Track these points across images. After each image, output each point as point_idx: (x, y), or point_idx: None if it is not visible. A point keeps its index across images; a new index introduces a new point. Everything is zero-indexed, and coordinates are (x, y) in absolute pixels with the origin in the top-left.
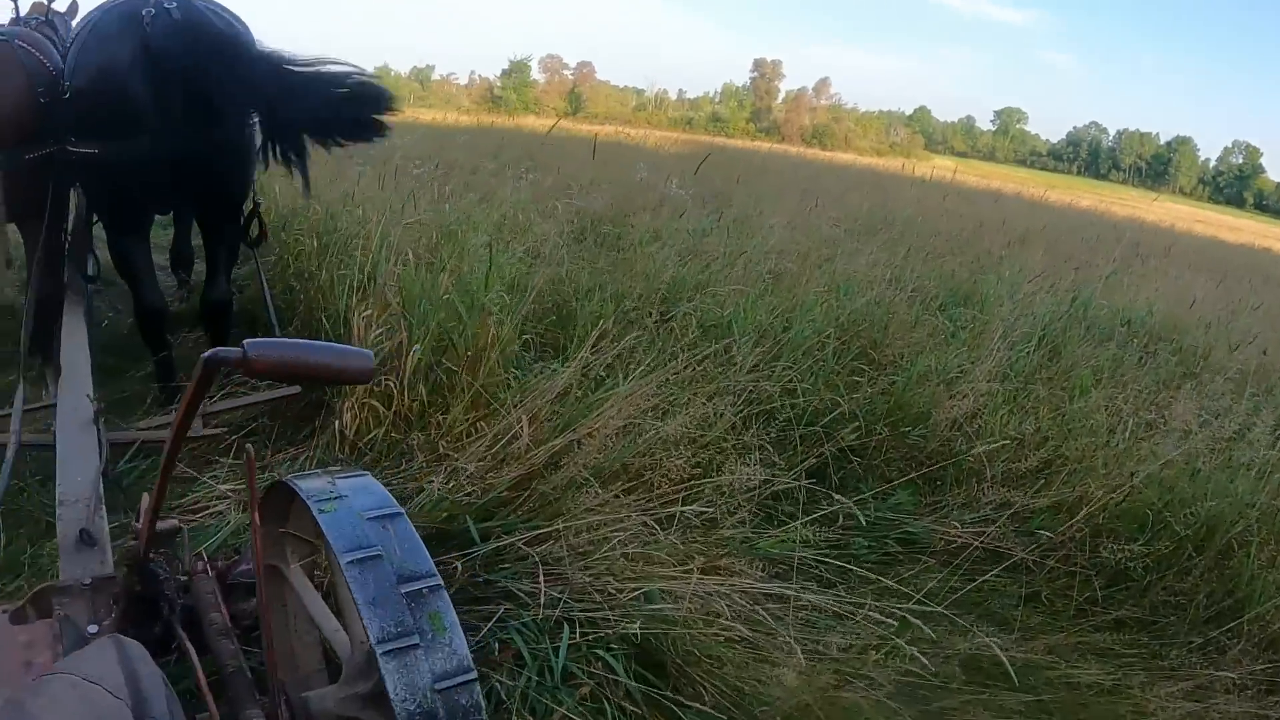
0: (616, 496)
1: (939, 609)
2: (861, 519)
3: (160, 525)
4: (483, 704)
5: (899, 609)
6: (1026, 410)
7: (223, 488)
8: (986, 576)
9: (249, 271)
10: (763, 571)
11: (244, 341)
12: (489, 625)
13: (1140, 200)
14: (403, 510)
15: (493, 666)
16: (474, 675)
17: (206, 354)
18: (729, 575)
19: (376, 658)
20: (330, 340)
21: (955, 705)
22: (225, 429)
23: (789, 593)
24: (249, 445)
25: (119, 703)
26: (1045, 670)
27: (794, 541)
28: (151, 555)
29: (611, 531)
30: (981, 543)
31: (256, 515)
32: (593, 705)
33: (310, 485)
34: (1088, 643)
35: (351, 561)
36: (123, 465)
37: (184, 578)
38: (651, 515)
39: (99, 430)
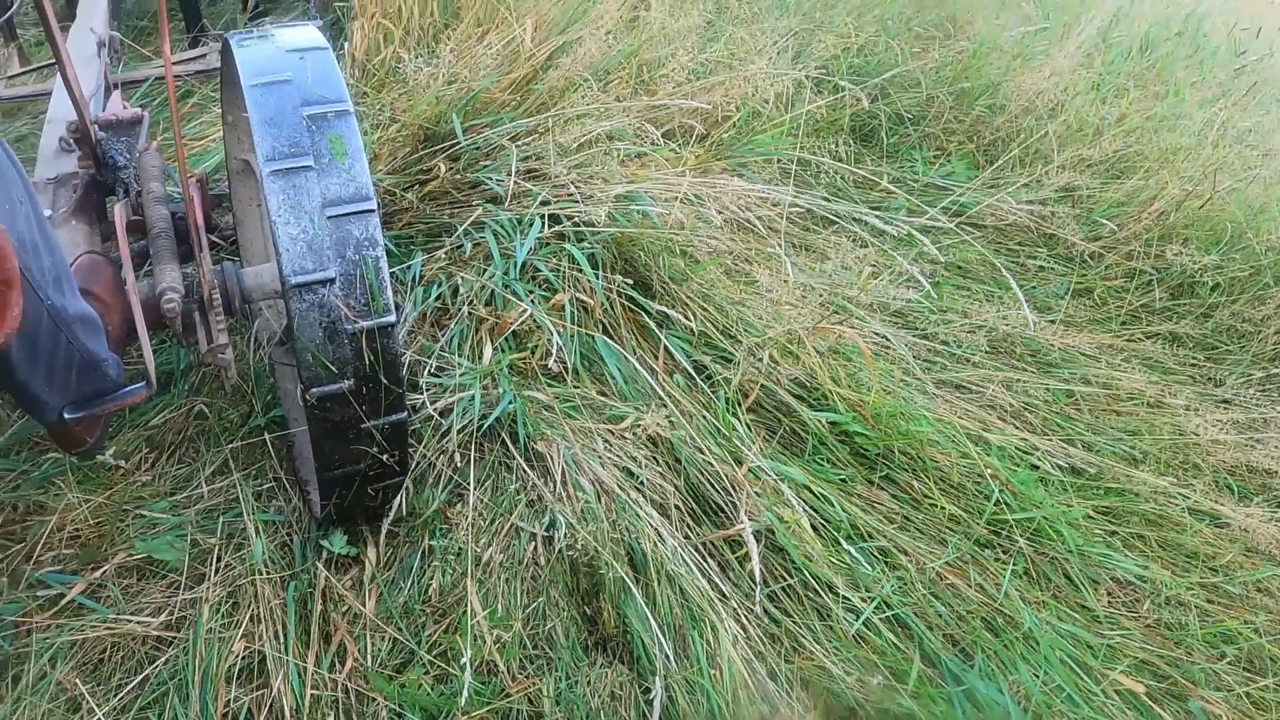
0: (618, 99)
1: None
2: (909, 183)
3: (123, 114)
4: (380, 239)
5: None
6: (1110, 102)
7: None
8: (1037, 259)
9: None
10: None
11: None
12: (465, 225)
13: None
14: (328, 46)
15: (462, 265)
16: (372, 205)
17: None
18: (724, 177)
19: (262, 178)
20: None
21: (976, 379)
22: None
23: (784, 197)
24: None
25: None
26: (1084, 367)
27: (794, 134)
28: (108, 140)
29: (602, 127)
30: (1037, 224)
31: (168, 48)
32: (564, 316)
33: (246, 34)
34: (1136, 350)
35: (255, 85)
36: (134, 99)
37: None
38: (653, 120)
39: (101, 60)
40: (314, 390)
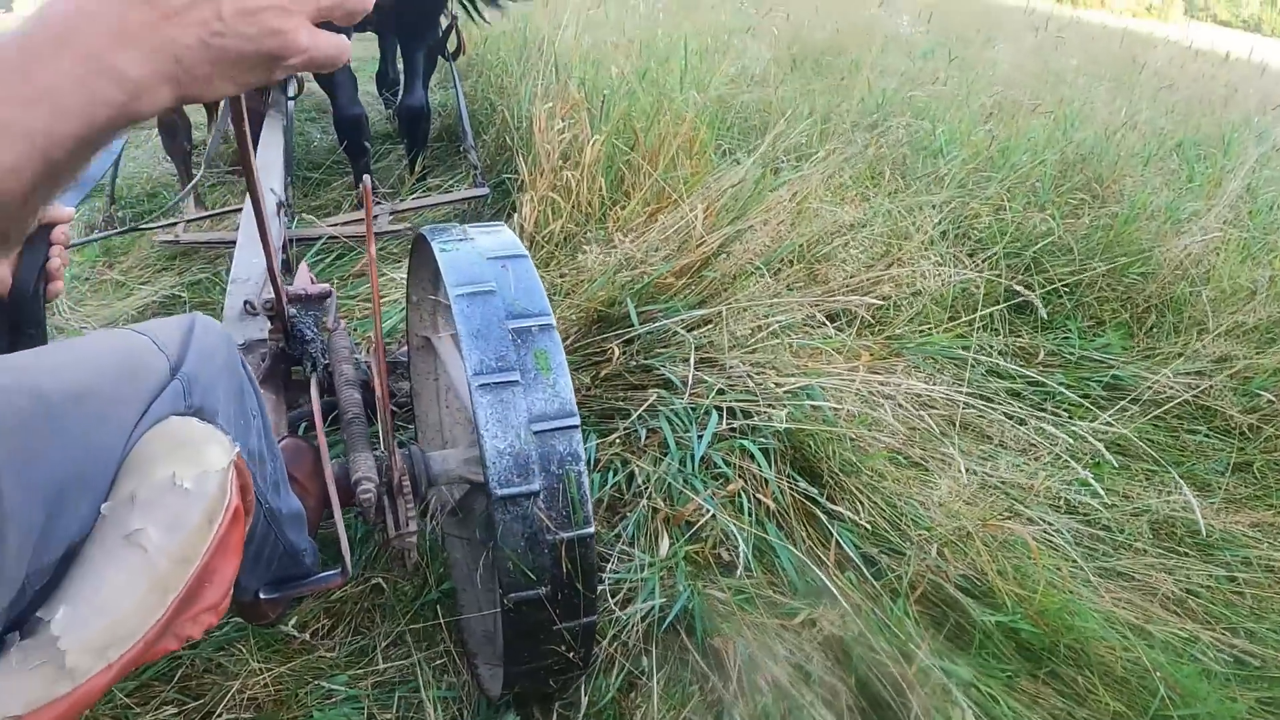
0: (789, 287)
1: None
2: (1065, 355)
3: (311, 289)
4: (582, 454)
5: (1090, 443)
6: (1261, 262)
7: (401, 276)
8: (1195, 434)
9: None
10: (941, 374)
11: None
12: (639, 411)
13: None
14: (527, 254)
15: (637, 453)
16: (576, 421)
17: None
18: (898, 375)
19: (471, 391)
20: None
21: (1137, 567)
22: (410, 226)
23: (958, 399)
24: (366, 176)
25: (160, 355)
26: (1244, 547)
27: (972, 341)
28: (297, 315)
29: (776, 320)
30: (1194, 396)
31: (372, 248)
32: (734, 504)
33: (444, 233)
34: None
35: (461, 295)
36: (310, 258)
37: (326, 338)
38: (821, 309)
39: (280, 221)
40: (512, 595)
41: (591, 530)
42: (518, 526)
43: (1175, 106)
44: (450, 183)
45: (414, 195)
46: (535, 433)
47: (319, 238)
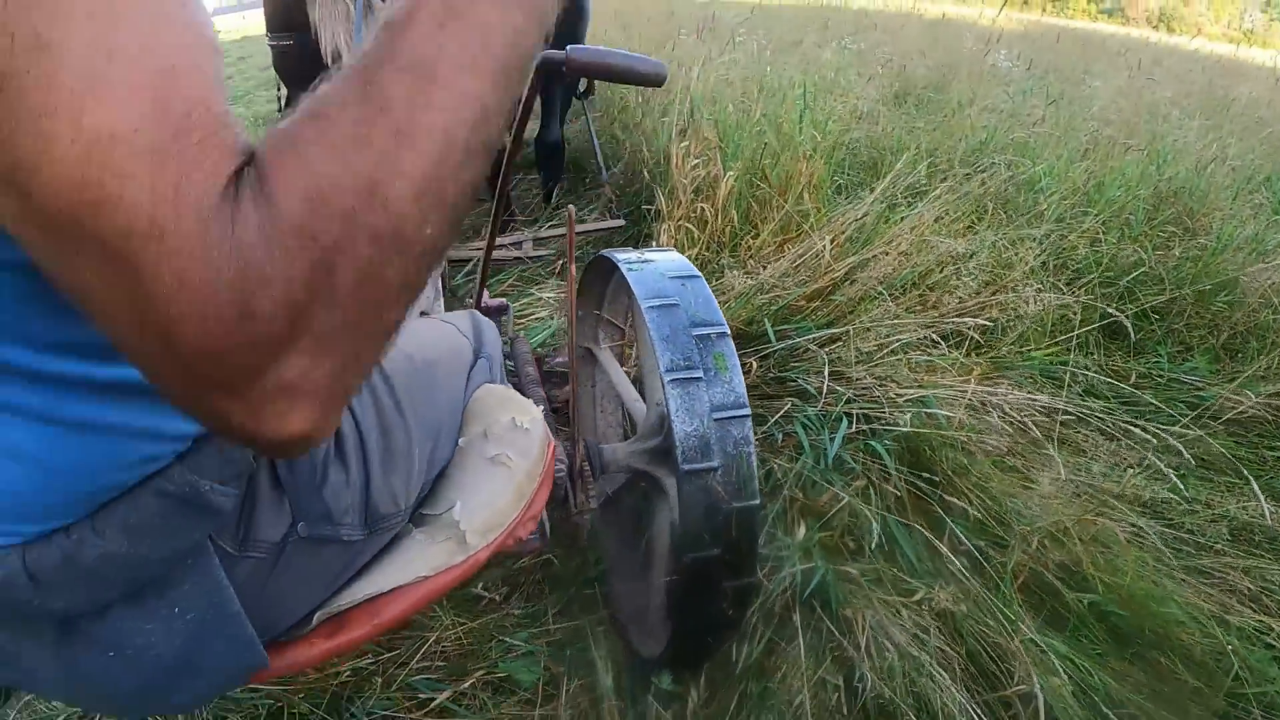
0: (907, 310)
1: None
2: (1155, 378)
3: (489, 302)
4: (752, 438)
5: (1176, 449)
6: None
7: (547, 296)
8: (1275, 450)
9: (580, 127)
10: (1040, 391)
11: (567, 46)
12: (775, 418)
13: None
14: (700, 274)
15: (774, 452)
16: (747, 411)
17: (539, 55)
18: (1003, 389)
19: (664, 385)
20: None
21: (1218, 565)
22: (554, 252)
23: (1059, 405)
24: (570, 206)
25: (465, 340)
26: None
27: (1069, 359)
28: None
29: (896, 339)
30: (1274, 415)
31: (573, 268)
32: (861, 496)
33: (625, 255)
34: None
35: (651, 307)
36: (459, 279)
37: (507, 345)
38: (935, 330)
39: None
40: (688, 555)
41: (758, 502)
42: (699, 496)
43: (1265, 139)
44: (582, 212)
45: (550, 224)
46: (715, 420)
47: (468, 260)
